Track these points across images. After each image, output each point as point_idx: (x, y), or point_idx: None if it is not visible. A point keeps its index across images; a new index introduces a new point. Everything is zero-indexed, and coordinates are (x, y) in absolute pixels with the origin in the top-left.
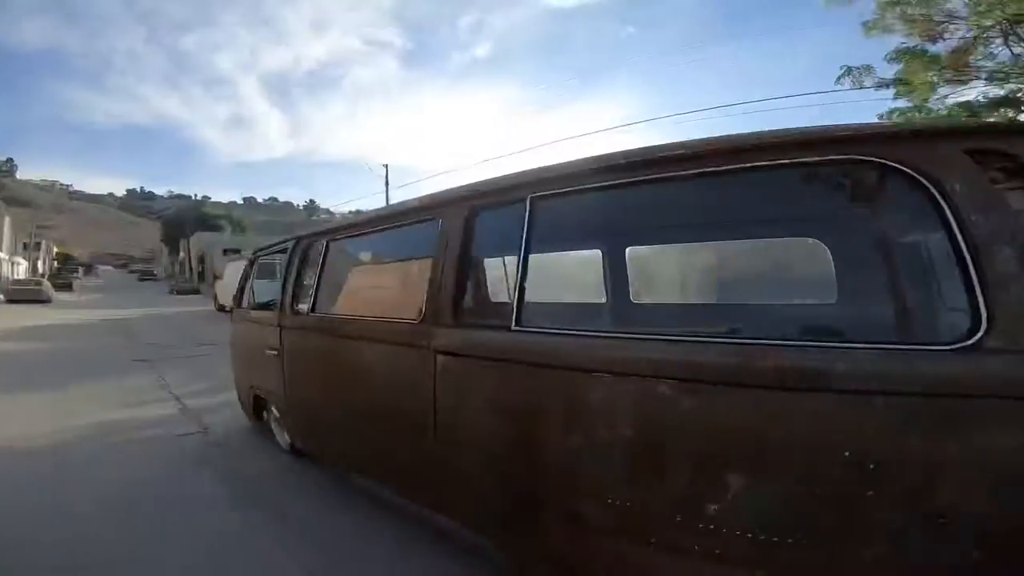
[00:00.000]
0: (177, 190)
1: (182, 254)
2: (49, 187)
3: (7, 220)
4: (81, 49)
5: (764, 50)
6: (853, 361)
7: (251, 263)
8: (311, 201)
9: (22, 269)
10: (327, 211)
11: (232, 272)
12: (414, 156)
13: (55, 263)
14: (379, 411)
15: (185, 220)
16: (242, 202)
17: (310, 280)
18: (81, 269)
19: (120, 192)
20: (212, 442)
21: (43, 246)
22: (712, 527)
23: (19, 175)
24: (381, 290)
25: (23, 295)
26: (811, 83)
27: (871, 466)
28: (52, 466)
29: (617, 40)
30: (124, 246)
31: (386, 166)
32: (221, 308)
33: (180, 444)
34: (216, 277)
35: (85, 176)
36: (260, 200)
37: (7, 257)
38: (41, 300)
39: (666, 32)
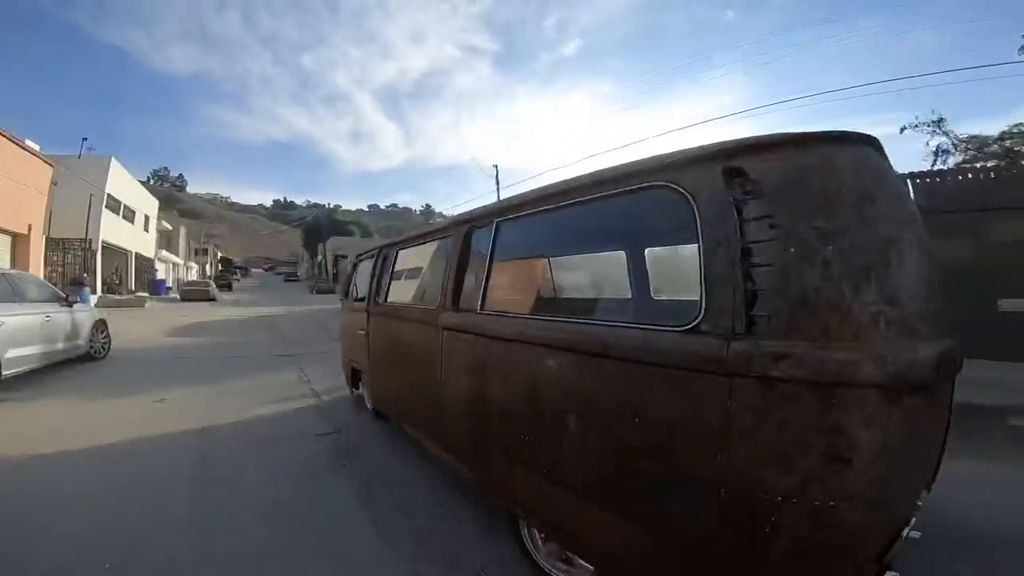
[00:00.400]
0: (313, 199)
1: (319, 257)
2: (212, 200)
3: (182, 230)
4: (223, 73)
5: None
6: (624, 337)
7: (354, 265)
8: (427, 205)
9: (193, 272)
10: (440, 214)
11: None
12: (518, 156)
13: (219, 266)
14: (414, 373)
15: (321, 226)
16: (368, 209)
17: (386, 277)
18: (239, 271)
19: (268, 203)
20: (346, 443)
21: (210, 252)
22: (548, 454)
23: (189, 190)
24: (419, 285)
25: (194, 294)
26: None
27: (635, 419)
28: (198, 463)
29: (719, 26)
30: (271, 251)
31: (496, 167)
32: None
33: (318, 445)
34: None
35: (240, 189)
36: (383, 207)
37: (183, 262)
38: (207, 298)
39: (776, 11)
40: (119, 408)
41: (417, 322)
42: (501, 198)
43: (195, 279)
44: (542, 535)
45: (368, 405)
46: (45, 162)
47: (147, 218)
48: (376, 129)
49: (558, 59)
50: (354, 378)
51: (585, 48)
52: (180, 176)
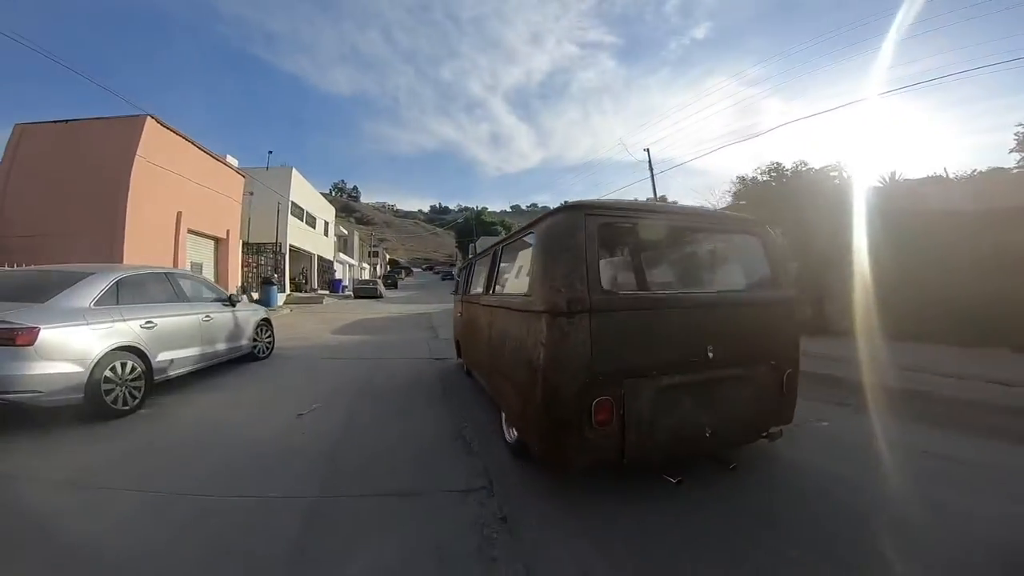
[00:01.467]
0: (463, 203)
1: (471, 256)
2: (381, 207)
3: (356, 234)
4: (377, 91)
5: None
6: (511, 299)
7: (459, 270)
8: (565, 203)
9: (366, 272)
10: None
11: None
12: (662, 145)
13: (387, 267)
14: (475, 336)
15: (470, 228)
16: (510, 210)
17: (470, 277)
18: (403, 271)
19: (425, 208)
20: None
21: (380, 254)
22: (496, 359)
23: (362, 199)
24: (481, 281)
25: (364, 292)
26: None
27: (516, 334)
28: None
29: None
30: (429, 252)
31: (647, 150)
32: None
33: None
34: None
35: (402, 197)
36: (523, 207)
37: (357, 263)
38: (375, 296)
39: None
40: (257, 426)
41: (476, 304)
42: (654, 193)
43: (366, 278)
44: (504, 413)
45: (464, 367)
46: (239, 174)
47: (326, 224)
48: (511, 132)
49: (690, 44)
50: (457, 348)
51: (717, 29)
52: (355, 188)
